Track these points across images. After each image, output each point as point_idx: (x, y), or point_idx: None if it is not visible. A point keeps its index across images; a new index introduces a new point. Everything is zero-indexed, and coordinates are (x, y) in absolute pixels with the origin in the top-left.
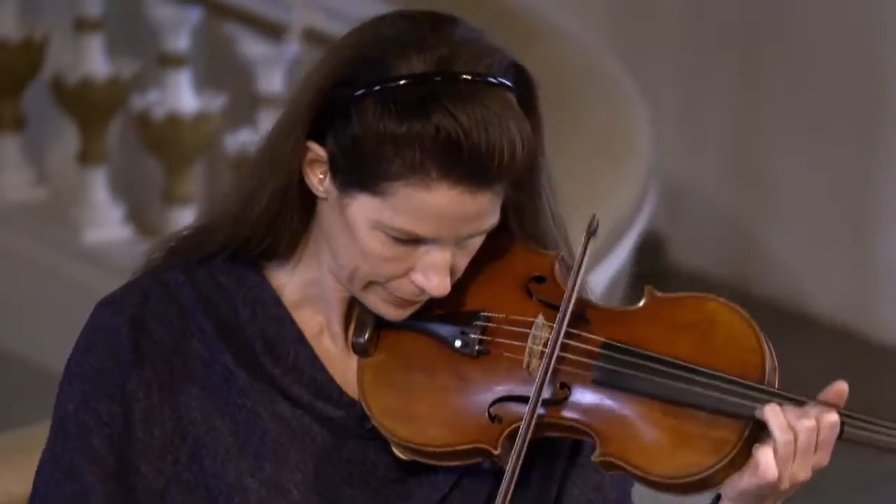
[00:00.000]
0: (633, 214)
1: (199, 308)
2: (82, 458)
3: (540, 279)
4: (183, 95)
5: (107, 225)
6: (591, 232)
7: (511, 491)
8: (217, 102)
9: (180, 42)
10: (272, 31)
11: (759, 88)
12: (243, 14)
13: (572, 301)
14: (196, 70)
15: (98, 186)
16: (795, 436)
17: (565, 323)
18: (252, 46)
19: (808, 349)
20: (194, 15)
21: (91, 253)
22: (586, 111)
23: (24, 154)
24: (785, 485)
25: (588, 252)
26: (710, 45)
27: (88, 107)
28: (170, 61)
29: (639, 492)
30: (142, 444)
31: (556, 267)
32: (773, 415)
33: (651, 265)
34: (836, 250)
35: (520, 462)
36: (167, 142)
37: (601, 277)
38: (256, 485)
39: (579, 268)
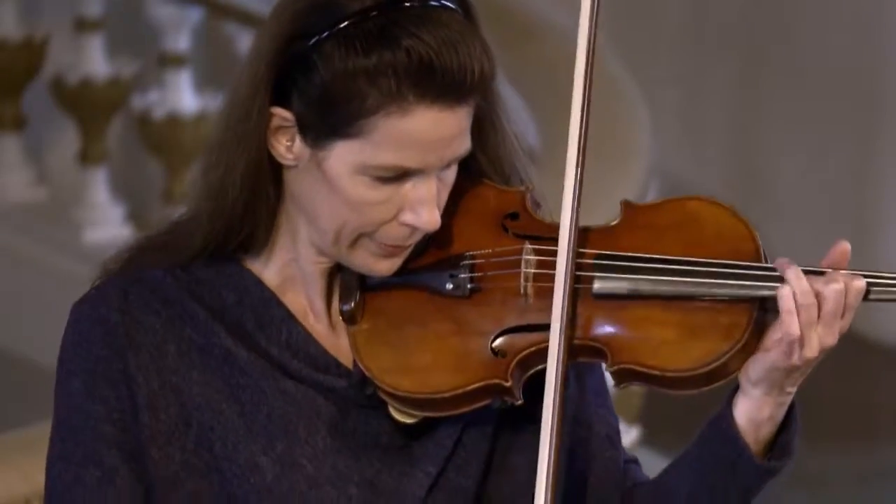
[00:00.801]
0: None
1: (185, 294)
2: (98, 444)
3: (514, 215)
4: (183, 95)
5: (107, 225)
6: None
7: (558, 418)
8: (217, 102)
9: (181, 42)
10: None
11: (760, 88)
12: (244, 14)
13: (575, 217)
14: (196, 70)
15: (98, 186)
16: (820, 299)
17: (573, 239)
18: None
19: None
20: (195, 15)
21: (91, 253)
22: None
23: (25, 154)
24: (813, 351)
25: (580, 169)
26: (711, 45)
27: (89, 107)
28: (170, 61)
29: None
30: (150, 429)
31: (528, 200)
32: (797, 279)
33: None
34: None
35: (560, 386)
36: (167, 142)
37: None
38: (270, 463)
39: (575, 185)
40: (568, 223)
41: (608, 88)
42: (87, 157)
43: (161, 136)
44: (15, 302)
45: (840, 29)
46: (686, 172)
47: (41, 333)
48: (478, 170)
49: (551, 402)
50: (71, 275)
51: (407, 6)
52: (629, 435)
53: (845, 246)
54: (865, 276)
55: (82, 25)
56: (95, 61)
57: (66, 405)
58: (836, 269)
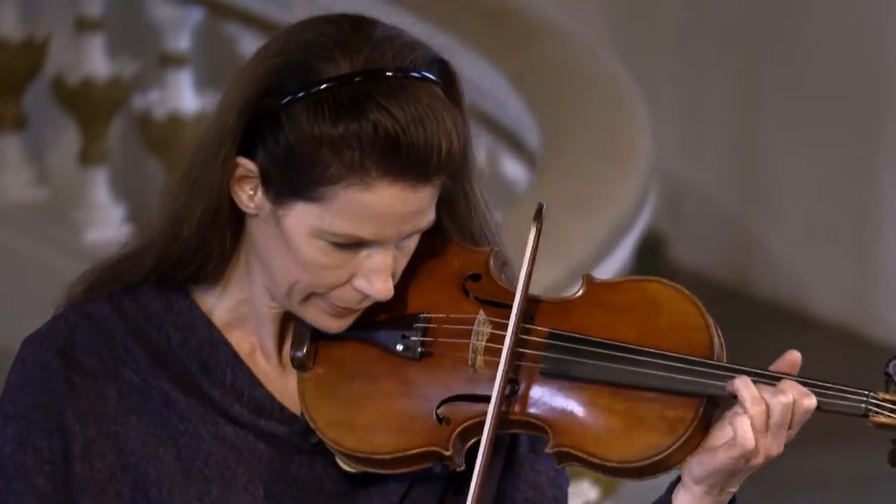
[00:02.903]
0: (633, 214)
1: (129, 336)
2: (27, 497)
3: (476, 277)
4: (184, 95)
5: (107, 225)
6: (539, 219)
7: (479, 490)
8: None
9: (181, 42)
10: (273, 30)
11: (760, 88)
12: (244, 14)
13: (522, 293)
14: (197, 70)
15: (99, 186)
16: (768, 409)
17: (515, 315)
18: (253, 46)
19: (808, 349)
20: (195, 15)
21: (92, 253)
22: (586, 111)
23: (25, 154)
24: (759, 459)
25: (536, 241)
26: (711, 45)
27: (89, 107)
28: (171, 61)
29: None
30: (82, 479)
31: (492, 263)
32: (745, 387)
33: (651, 265)
34: (837, 250)
35: (488, 461)
36: (168, 142)
37: (602, 276)
38: None
39: (532, 259)
40: (515, 315)
41: (608, 88)
42: (87, 157)
43: (161, 137)
44: (15, 302)
45: (840, 29)
46: (686, 172)
47: None
48: (444, 232)
49: (478, 471)
50: (71, 275)
51: (384, 76)
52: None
53: (795, 356)
54: (817, 390)
55: (83, 25)
56: (96, 61)
57: (1, 450)
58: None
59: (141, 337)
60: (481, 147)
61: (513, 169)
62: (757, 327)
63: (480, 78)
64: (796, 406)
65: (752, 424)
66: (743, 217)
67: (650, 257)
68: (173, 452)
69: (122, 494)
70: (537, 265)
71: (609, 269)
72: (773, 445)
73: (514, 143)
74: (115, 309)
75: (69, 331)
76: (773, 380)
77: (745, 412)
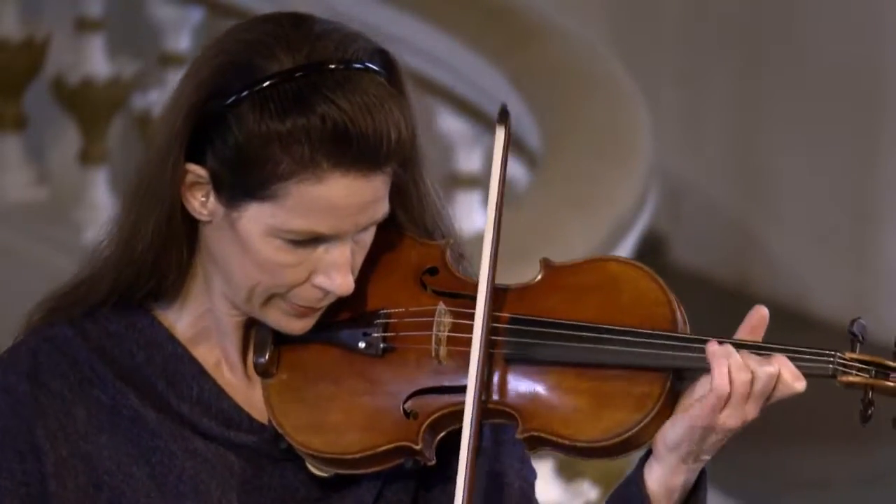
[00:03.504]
0: (633, 214)
1: (94, 356)
2: None
3: (433, 270)
4: None
5: (106, 220)
6: (505, 122)
7: (468, 485)
8: None
9: (181, 42)
10: None
11: (760, 88)
12: (244, 14)
13: (488, 281)
14: None
15: (99, 186)
16: (753, 377)
17: (487, 301)
18: None
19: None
20: (195, 15)
21: None
22: (587, 111)
23: (26, 154)
24: (735, 421)
25: (505, 148)
26: (711, 45)
27: (89, 107)
28: (171, 61)
29: None
30: (57, 498)
31: (448, 255)
32: (727, 356)
33: (651, 265)
34: (837, 250)
35: (473, 453)
36: None
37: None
38: None
39: (503, 168)
40: (485, 289)
41: (608, 88)
42: (87, 157)
43: None
44: (15, 301)
45: (840, 29)
46: (686, 172)
47: None
48: (398, 226)
49: (464, 466)
50: (71, 275)
51: (327, 69)
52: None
53: (762, 312)
54: (785, 355)
55: (83, 25)
56: (96, 61)
57: None
58: (756, 338)
59: (105, 356)
60: (481, 147)
61: (513, 169)
62: None
63: (481, 78)
64: (781, 381)
65: (732, 381)
66: (743, 217)
67: (650, 257)
68: (146, 470)
69: None
70: (536, 265)
71: None
72: (750, 410)
73: (515, 144)
74: (78, 331)
75: (31, 355)
76: (738, 346)
77: (730, 375)
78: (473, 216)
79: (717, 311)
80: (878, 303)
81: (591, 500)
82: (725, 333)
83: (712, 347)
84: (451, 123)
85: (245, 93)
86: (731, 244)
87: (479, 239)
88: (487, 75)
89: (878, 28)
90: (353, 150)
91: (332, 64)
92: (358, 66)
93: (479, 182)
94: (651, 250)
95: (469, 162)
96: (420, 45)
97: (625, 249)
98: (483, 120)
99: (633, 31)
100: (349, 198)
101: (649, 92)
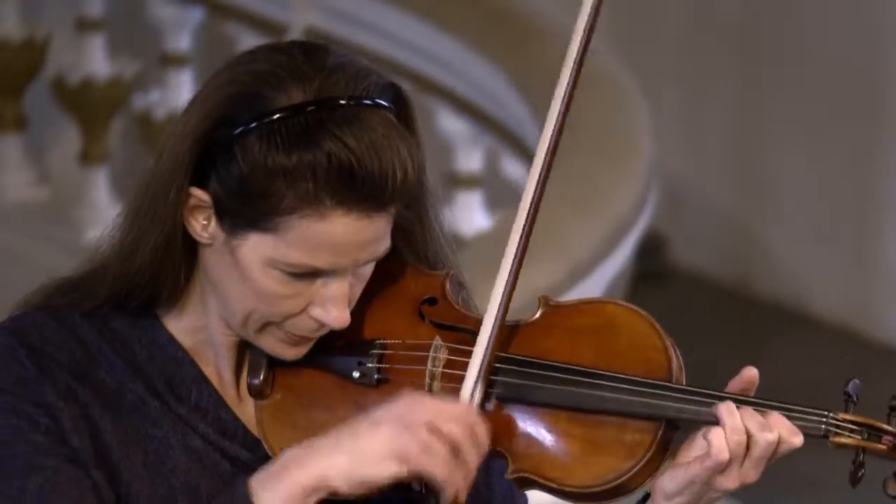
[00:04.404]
0: (634, 214)
1: (102, 341)
2: (30, 453)
3: (432, 301)
4: (184, 95)
5: (108, 225)
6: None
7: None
8: None
9: (182, 42)
10: (273, 30)
11: (760, 88)
12: (244, 14)
13: (497, 318)
14: (197, 70)
15: (99, 186)
16: (750, 437)
17: (492, 336)
18: (253, 46)
19: (809, 349)
20: (195, 15)
21: None
22: (588, 111)
23: (26, 154)
24: (733, 483)
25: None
26: (711, 45)
27: (90, 107)
28: (171, 61)
29: None
30: (80, 451)
31: (448, 286)
32: (729, 414)
33: (651, 265)
34: (837, 250)
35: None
36: None
37: (602, 277)
38: None
39: (510, 292)
40: (486, 339)
41: (609, 89)
42: (88, 157)
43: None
44: (15, 301)
45: (840, 29)
46: (686, 172)
47: None
48: (399, 254)
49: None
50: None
51: (337, 105)
52: None
53: (752, 373)
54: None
55: (83, 25)
56: (96, 61)
57: None
58: (747, 395)
59: (113, 346)
60: (481, 147)
61: (513, 169)
62: (757, 328)
63: (482, 78)
64: (781, 443)
65: (730, 447)
66: (743, 217)
67: (650, 257)
68: (141, 457)
69: (99, 484)
70: (537, 265)
71: (609, 269)
72: (749, 473)
73: (515, 143)
74: (86, 319)
75: (37, 328)
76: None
77: (727, 438)
78: (473, 216)
79: (717, 311)
80: (878, 303)
81: None
82: (725, 334)
83: (716, 414)
84: (451, 123)
85: (253, 124)
86: (731, 244)
87: (479, 240)
88: (488, 75)
89: (878, 28)
90: (357, 189)
91: (342, 99)
92: (367, 102)
93: (479, 182)
94: (651, 250)
95: (469, 162)
96: (420, 45)
97: (625, 249)
98: (483, 120)
99: (633, 31)
100: (350, 235)
101: (649, 92)
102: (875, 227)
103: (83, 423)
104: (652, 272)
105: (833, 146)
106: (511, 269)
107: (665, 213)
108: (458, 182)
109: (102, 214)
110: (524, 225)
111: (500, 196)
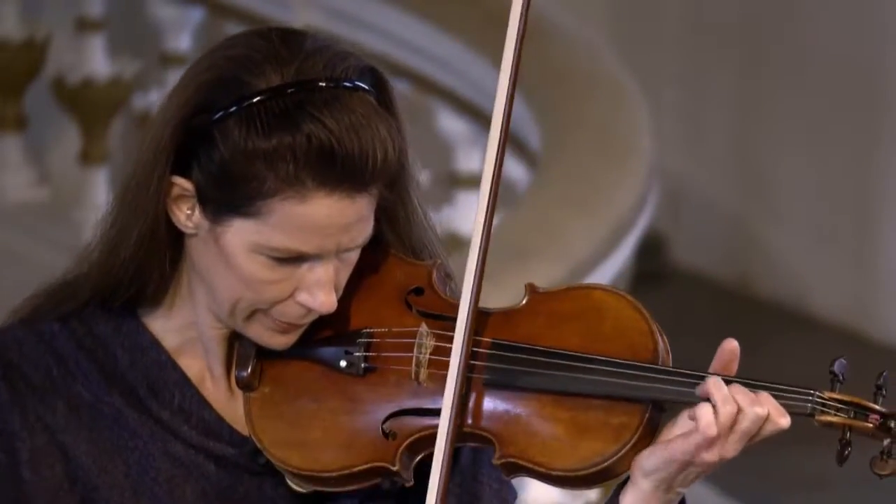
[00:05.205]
0: (634, 214)
1: (80, 353)
2: None
3: (419, 290)
4: None
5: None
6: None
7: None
8: None
9: (182, 42)
10: None
11: (761, 88)
12: (244, 14)
13: (472, 303)
14: None
15: (99, 186)
16: (739, 413)
17: (468, 326)
18: None
19: (809, 349)
20: (195, 15)
21: None
22: (588, 111)
23: (26, 154)
24: (714, 456)
25: (488, 230)
26: (712, 45)
27: (90, 107)
28: (171, 61)
29: None
30: (31, 485)
31: (434, 276)
32: (717, 389)
33: (651, 265)
34: (838, 250)
35: (445, 474)
36: None
37: (602, 277)
38: None
39: (479, 274)
40: (465, 315)
41: (609, 88)
42: (88, 157)
43: None
44: (15, 302)
45: (840, 28)
46: (686, 172)
47: None
48: (385, 244)
49: (436, 488)
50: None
51: (316, 87)
52: None
53: (732, 344)
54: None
55: (83, 25)
56: (97, 61)
57: None
58: (728, 373)
59: (91, 355)
60: (481, 147)
61: (513, 169)
62: (757, 327)
63: (482, 78)
64: (768, 421)
65: (718, 421)
66: (743, 217)
67: (650, 257)
68: (123, 469)
69: None
70: (537, 265)
71: (609, 269)
72: (730, 448)
73: (515, 143)
74: (65, 328)
75: (17, 344)
76: (725, 382)
77: (716, 410)
78: (473, 216)
79: (717, 311)
80: (878, 303)
81: (591, 500)
82: (725, 334)
83: (704, 388)
84: (451, 123)
85: (232, 109)
86: (731, 244)
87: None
88: (488, 75)
89: (878, 28)
90: (338, 169)
91: (320, 82)
92: (347, 84)
93: (478, 182)
94: (651, 250)
95: (469, 162)
96: (420, 45)
97: (625, 249)
98: (483, 120)
99: (633, 30)
100: (333, 217)
101: (650, 92)
102: (875, 227)
103: (48, 449)
104: (652, 272)
105: (833, 146)
106: (481, 245)
107: (665, 213)
108: (458, 182)
109: (102, 215)
110: (487, 204)
111: (500, 196)
